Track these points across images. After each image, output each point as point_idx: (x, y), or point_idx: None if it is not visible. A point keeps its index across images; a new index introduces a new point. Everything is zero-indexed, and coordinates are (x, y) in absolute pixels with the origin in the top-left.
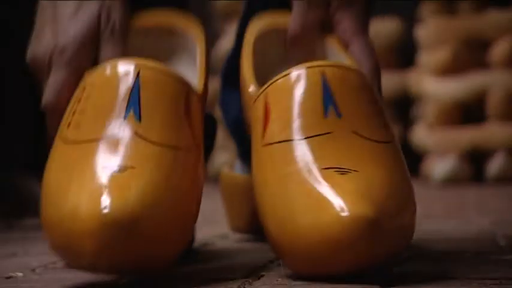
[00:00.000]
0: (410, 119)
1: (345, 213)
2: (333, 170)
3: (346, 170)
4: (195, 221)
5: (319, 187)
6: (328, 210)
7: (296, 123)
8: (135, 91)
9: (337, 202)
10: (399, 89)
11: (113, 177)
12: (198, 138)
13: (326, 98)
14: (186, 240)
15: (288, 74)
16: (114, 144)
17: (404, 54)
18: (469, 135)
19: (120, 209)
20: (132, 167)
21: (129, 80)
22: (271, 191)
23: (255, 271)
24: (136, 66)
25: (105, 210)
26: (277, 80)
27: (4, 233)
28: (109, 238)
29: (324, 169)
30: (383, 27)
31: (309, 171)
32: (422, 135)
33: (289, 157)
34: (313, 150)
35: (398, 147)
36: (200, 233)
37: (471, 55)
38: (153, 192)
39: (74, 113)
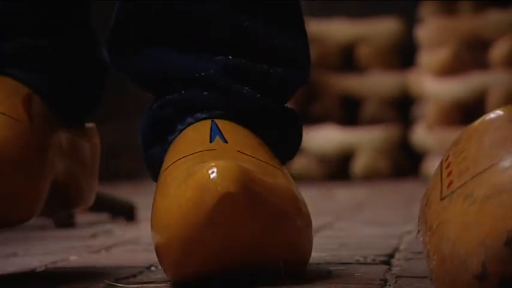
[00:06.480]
0: (410, 119)
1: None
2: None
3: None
4: None
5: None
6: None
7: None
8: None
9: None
10: (399, 89)
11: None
12: None
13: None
14: None
15: None
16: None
17: (404, 54)
18: None
19: None
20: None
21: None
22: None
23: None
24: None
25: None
26: None
27: (4, 233)
28: None
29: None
30: (383, 27)
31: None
32: (422, 135)
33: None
34: (196, 158)
35: (287, 172)
36: None
37: (471, 55)
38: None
39: None
